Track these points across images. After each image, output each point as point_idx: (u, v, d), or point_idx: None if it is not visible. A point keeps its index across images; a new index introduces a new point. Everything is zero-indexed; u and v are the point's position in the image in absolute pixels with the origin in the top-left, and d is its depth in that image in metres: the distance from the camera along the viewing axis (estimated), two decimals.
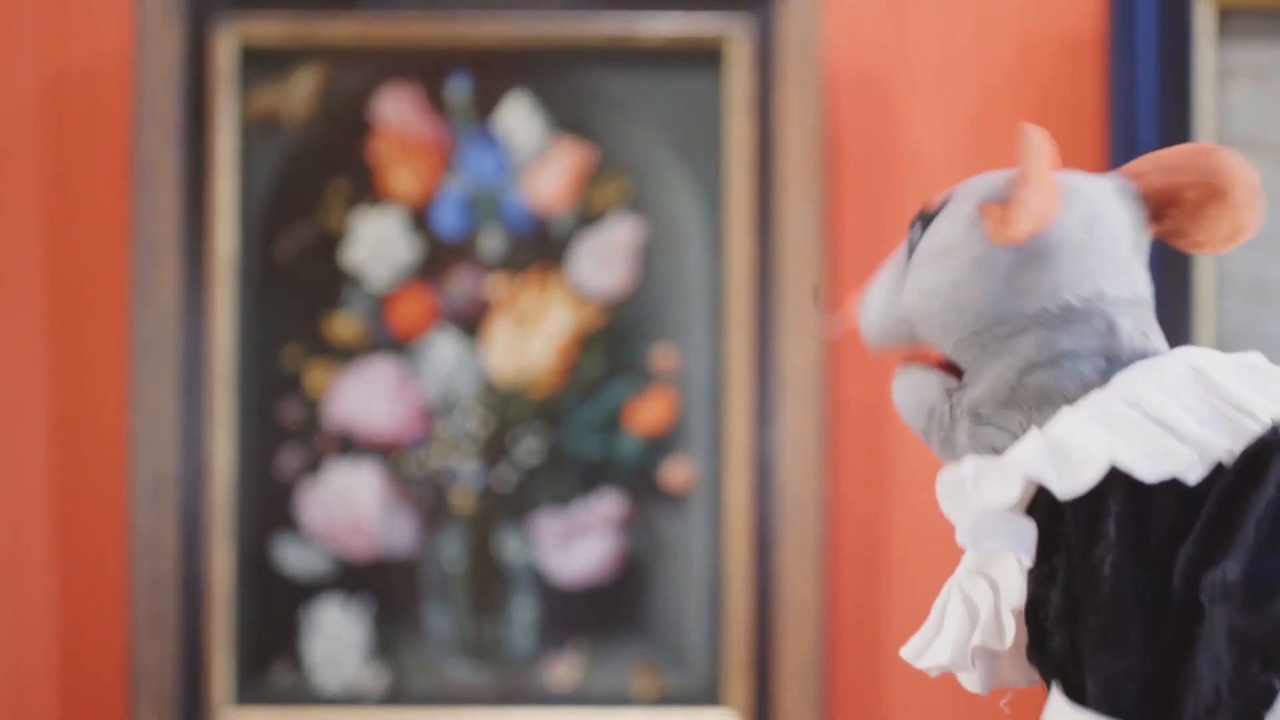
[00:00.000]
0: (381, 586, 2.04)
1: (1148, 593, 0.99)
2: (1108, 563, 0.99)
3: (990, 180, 1.11)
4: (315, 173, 2.05)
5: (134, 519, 2.00)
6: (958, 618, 1.08)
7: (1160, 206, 1.10)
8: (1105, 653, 0.99)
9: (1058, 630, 1.02)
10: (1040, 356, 1.06)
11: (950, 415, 1.09)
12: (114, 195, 2.08)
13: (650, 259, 2.05)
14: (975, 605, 1.07)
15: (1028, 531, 1.02)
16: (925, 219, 1.11)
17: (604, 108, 2.05)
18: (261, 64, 2.04)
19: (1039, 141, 1.04)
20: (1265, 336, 2.00)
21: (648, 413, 2.04)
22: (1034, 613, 1.04)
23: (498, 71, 2.05)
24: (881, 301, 1.13)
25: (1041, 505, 1.03)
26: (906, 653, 1.10)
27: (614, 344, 2.05)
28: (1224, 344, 2.00)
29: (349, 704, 2.04)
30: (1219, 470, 1.00)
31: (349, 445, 2.04)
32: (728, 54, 2.03)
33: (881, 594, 2.05)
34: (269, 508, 2.03)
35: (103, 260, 2.08)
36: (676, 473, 2.04)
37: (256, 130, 2.04)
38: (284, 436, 2.04)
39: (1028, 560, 1.02)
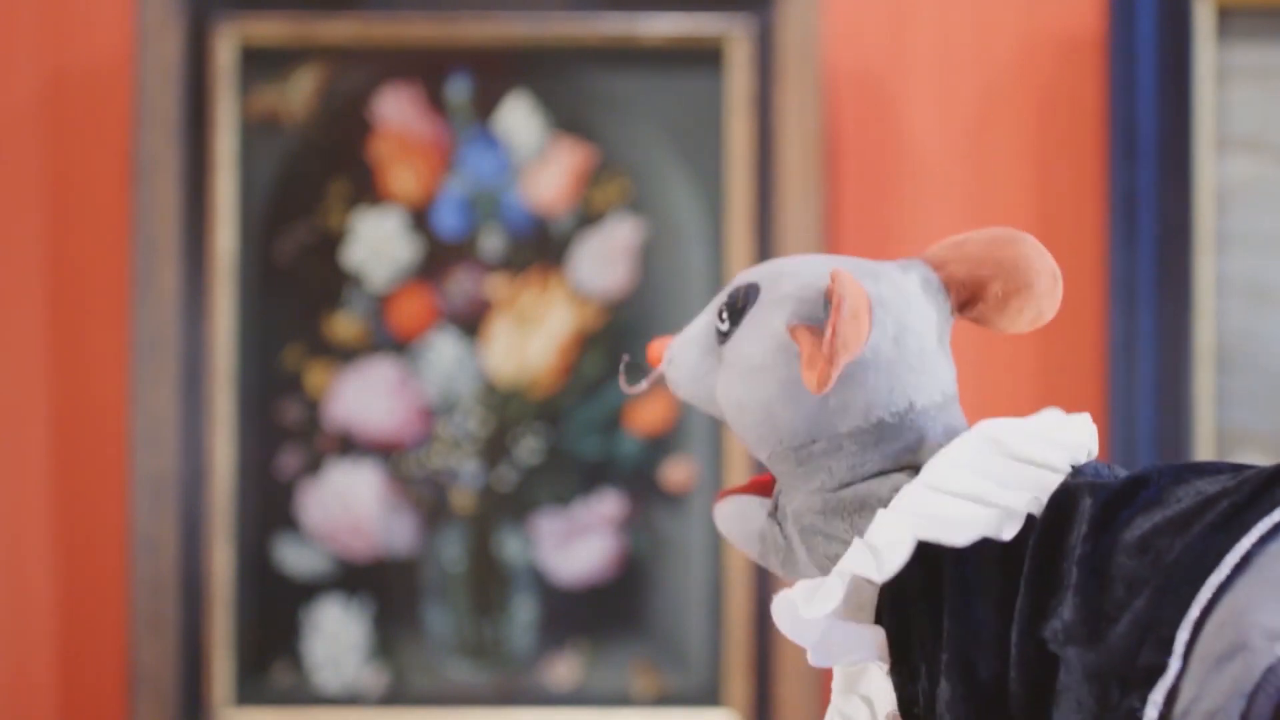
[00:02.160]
0: (381, 586, 2.04)
1: (993, 663, 1.01)
2: (950, 642, 1.01)
3: (799, 280, 1.10)
4: (315, 173, 2.05)
5: (134, 519, 2.00)
6: None
7: (964, 298, 1.11)
8: None
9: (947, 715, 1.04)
10: (854, 475, 1.08)
11: (782, 534, 1.11)
12: (114, 195, 2.08)
13: (650, 259, 2.05)
14: None
15: (875, 636, 1.04)
16: (734, 310, 1.11)
17: (604, 108, 2.05)
18: (261, 64, 2.04)
19: (853, 294, 1.03)
20: (1265, 336, 2.01)
21: (648, 413, 2.05)
22: (908, 712, 1.05)
23: (498, 71, 2.05)
24: (692, 367, 1.14)
25: (886, 609, 1.05)
26: None
27: (614, 344, 2.05)
28: (1224, 344, 2.00)
29: (349, 704, 2.04)
30: (1031, 524, 1.02)
31: (349, 445, 2.04)
32: (728, 54, 2.03)
33: None
34: (269, 507, 2.04)
35: (103, 260, 2.08)
36: (676, 473, 2.05)
37: (256, 130, 2.04)
38: (284, 436, 2.04)
39: (884, 664, 1.04)
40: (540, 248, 2.05)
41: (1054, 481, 1.04)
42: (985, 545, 1.02)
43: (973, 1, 2.08)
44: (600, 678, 2.04)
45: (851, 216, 2.07)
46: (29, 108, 2.09)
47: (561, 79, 2.05)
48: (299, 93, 2.05)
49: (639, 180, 2.05)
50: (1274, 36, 2.01)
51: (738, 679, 2.01)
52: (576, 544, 2.04)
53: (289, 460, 2.04)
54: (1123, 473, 1.05)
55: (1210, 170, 1.99)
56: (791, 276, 1.10)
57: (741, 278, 1.12)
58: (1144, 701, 0.95)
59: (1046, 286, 1.10)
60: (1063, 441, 1.06)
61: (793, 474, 1.09)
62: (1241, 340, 2.00)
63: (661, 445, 2.04)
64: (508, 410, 2.04)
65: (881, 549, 1.02)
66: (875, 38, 2.08)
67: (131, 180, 2.03)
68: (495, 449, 2.04)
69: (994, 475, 1.04)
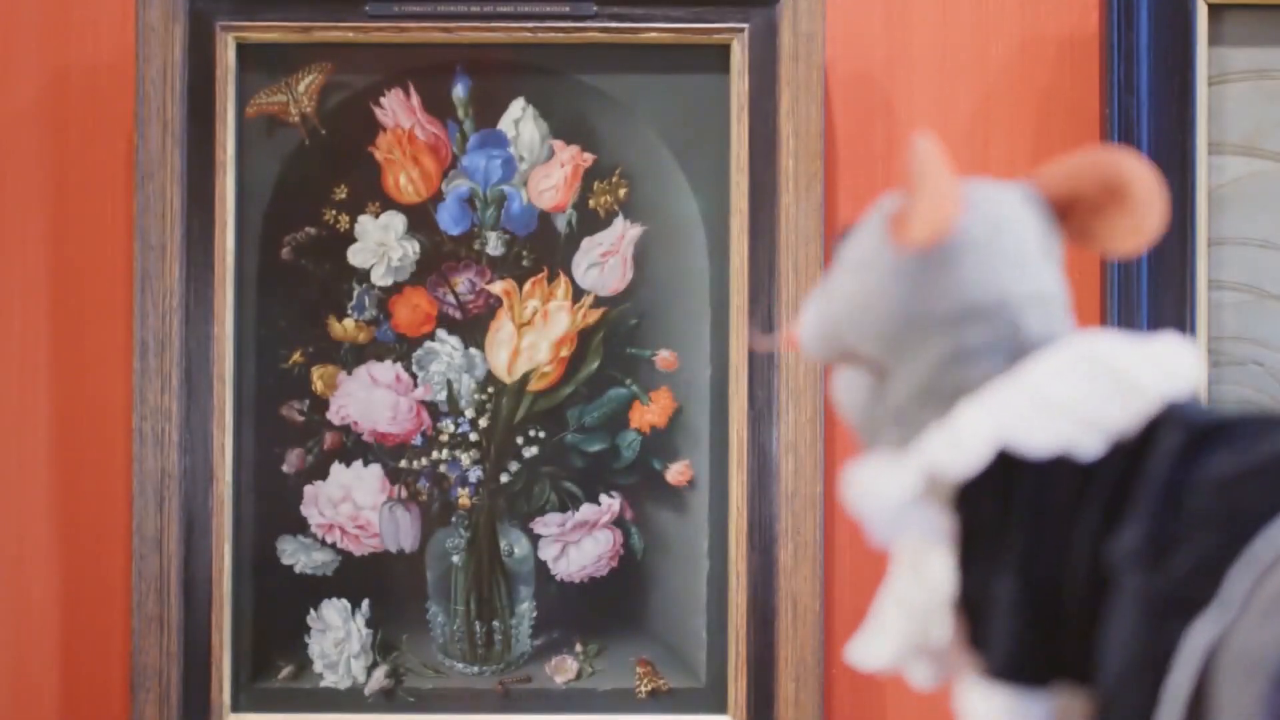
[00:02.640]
0: (383, 586, 2.04)
1: (1052, 570, 1.03)
2: (1014, 543, 1.04)
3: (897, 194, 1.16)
4: (317, 173, 2.05)
5: (136, 518, 2.00)
6: (897, 616, 1.12)
7: (1065, 210, 1.14)
8: (1006, 623, 1.04)
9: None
10: (949, 355, 1.10)
11: (880, 420, 1.14)
12: (116, 195, 2.08)
13: (650, 259, 2.05)
14: (912, 602, 1.11)
15: (939, 520, 1.07)
16: (848, 232, 1.18)
17: (604, 109, 2.05)
18: (263, 64, 2.04)
19: (927, 150, 1.08)
20: (1265, 336, 2.01)
21: (648, 413, 2.05)
22: (966, 604, 1.07)
23: (499, 72, 2.05)
24: (815, 314, 1.19)
25: (959, 500, 1.07)
26: (852, 654, 1.15)
27: (614, 344, 2.05)
28: (1223, 344, 2.00)
29: (349, 704, 2.04)
30: (1116, 449, 1.05)
31: (351, 445, 2.04)
32: (728, 54, 2.03)
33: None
34: (271, 507, 2.04)
35: (105, 259, 2.08)
36: (677, 472, 2.05)
37: (258, 130, 2.05)
38: (286, 436, 2.04)
39: (944, 547, 1.07)
40: (541, 248, 2.05)
41: (1144, 407, 1.05)
42: (1064, 458, 1.04)
43: (972, 2, 2.09)
44: (600, 678, 2.04)
45: (851, 217, 2.07)
46: (31, 107, 2.09)
47: (562, 79, 2.05)
48: (301, 93, 2.05)
49: (639, 181, 2.05)
50: (1272, 37, 2.02)
51: (738, 679, 2.01)
52: (576, 543, 2.04)
53: (291, 460, 2.04)
54: (1220, 413, 1.06)
55: (1207, 171, 2.00)
56: (895, 197, 1.16)
57: None
58: (1186, 632, 0.97)
59: (1142, 195, 1.12)
60: (1162, 370, 1.07)
61: (897, 363, 1.12)
62: (1241, 340, 2.01)
63: (662, 444, 2.04)
64: (509, 409, 2.05)
65: (961, 444, 1.05)
66: (875, 38, 2.09)
67: (133, 179, 2.03)
68: (496, 448, 2.05)
69: (1087, 389, 1.06)
